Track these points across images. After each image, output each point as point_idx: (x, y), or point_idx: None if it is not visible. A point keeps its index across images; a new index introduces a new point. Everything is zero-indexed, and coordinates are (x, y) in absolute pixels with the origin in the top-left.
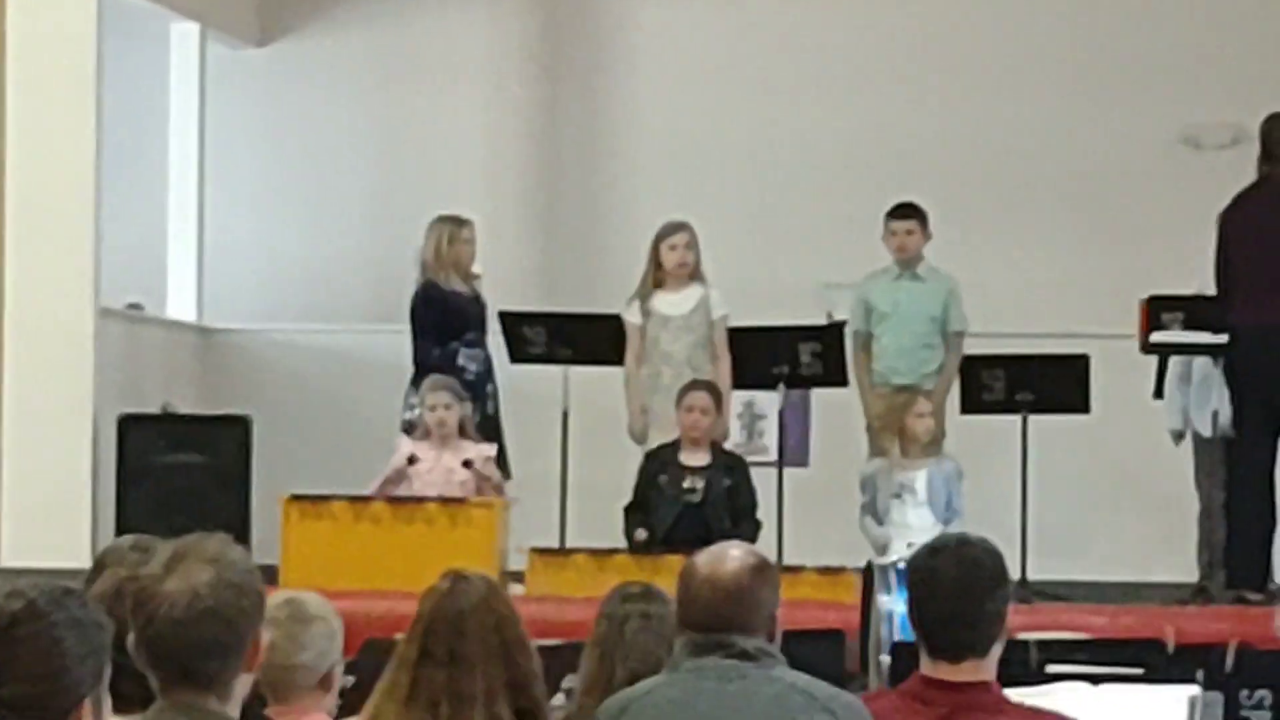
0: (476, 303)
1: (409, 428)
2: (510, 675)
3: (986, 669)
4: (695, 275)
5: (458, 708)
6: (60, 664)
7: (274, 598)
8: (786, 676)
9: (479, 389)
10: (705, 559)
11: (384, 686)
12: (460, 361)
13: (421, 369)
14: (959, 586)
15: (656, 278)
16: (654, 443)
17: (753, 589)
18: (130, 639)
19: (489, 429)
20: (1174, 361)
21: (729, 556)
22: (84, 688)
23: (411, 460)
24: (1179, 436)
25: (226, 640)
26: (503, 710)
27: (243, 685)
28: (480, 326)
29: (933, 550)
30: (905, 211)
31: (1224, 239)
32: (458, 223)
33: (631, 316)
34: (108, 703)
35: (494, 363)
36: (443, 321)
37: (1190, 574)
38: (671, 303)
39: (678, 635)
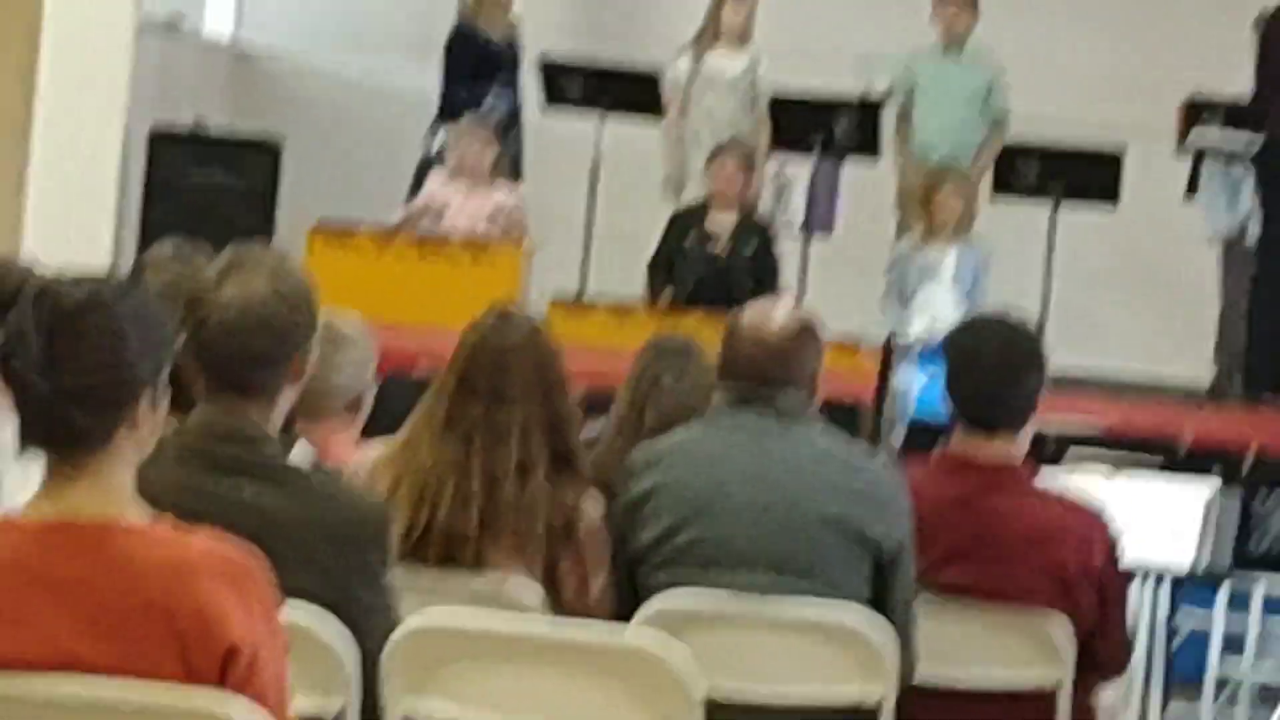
0: (510, 47)
1: (432, 163)
2: (548, 415)
3: (1016, 448)
4: (748, 38)
5: (492, 441)
6: (122, 355)
7: None
8: (824, 436)
9: (504, 132)
10: (751, 314)
11: (420, 414)
12: (487, 103)
13: (447, 108)
14: (1000, 360)
15: (710, 34)
16: (688, 196)
17: (796, 347)
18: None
19: (513, 172)
20: (1214, 163)
21: (777, 313)
22: (143, 381)
23: (436, 209)
24: (1216, 236)
25: (276, 352)
26: (537, 448)
27: (287, 398)
28: (513, 70)
29: (972, 324)
30: None
31: (1265, 47)
32: None
33: (680, 69)
34: (166, 399)
35: (522, 109)
36: (474, 63)
37: (1204, 374)
38: (722, 63)
39: (716, 388)
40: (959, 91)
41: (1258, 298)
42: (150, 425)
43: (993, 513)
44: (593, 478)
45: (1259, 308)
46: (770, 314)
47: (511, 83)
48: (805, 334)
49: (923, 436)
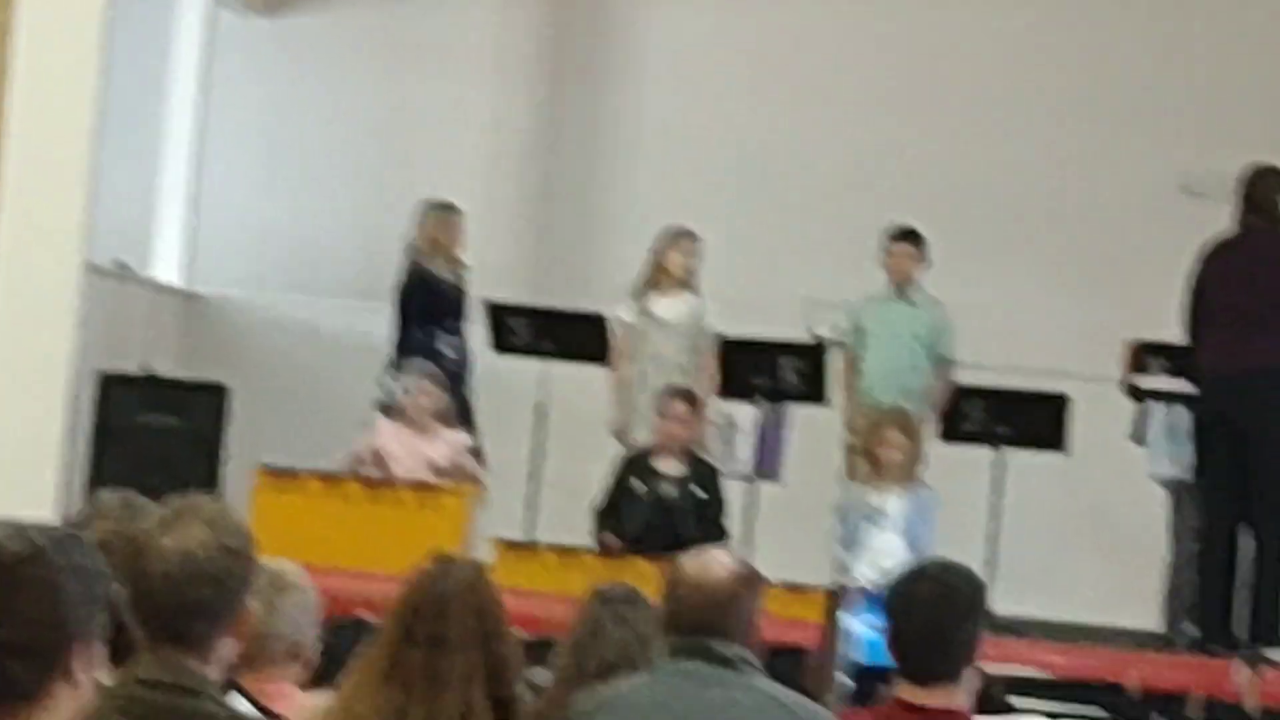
0: (460, 290)
1: (385, 409)
2: (489, 663)
3: (958, 695)
4: (692, 282)
5: (432, 690)
6: (59, 609)
7: None
8: (765, 687)
9: (456, 376)
10: (693, 563)
11: (361, 663)
12: (440, 347)
13: (402, 351)
14: (934, 611)
15: (655, 279)
16: (636, 441)
17: (738, 596)
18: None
19: (464, 416)
20: (1159, 407)
21: (717, 562)
22: (80, 633)
23: (379, 454)
24: (1164, 482)
25: (216, 602)
26: (478, 697)
27: (227, 648)
28: (460, 314)
29: (914, 575)
30: (907, 235)
31: (1201, 284)
32: (449, 209)
33: (625, 315)
34: (103, 653)
35: (472, 351)
36: (427, 306)
37: (1152, 620)
38: (667, 306)
39: (659, 637)
40: (906, 335)
41: (1201, 545)
42: (87, 678)
43: None
44: None
45: (1202, 556)
46: (711, 563)
47: (461, 326)
48: (746, 583)
49: (871, 682)
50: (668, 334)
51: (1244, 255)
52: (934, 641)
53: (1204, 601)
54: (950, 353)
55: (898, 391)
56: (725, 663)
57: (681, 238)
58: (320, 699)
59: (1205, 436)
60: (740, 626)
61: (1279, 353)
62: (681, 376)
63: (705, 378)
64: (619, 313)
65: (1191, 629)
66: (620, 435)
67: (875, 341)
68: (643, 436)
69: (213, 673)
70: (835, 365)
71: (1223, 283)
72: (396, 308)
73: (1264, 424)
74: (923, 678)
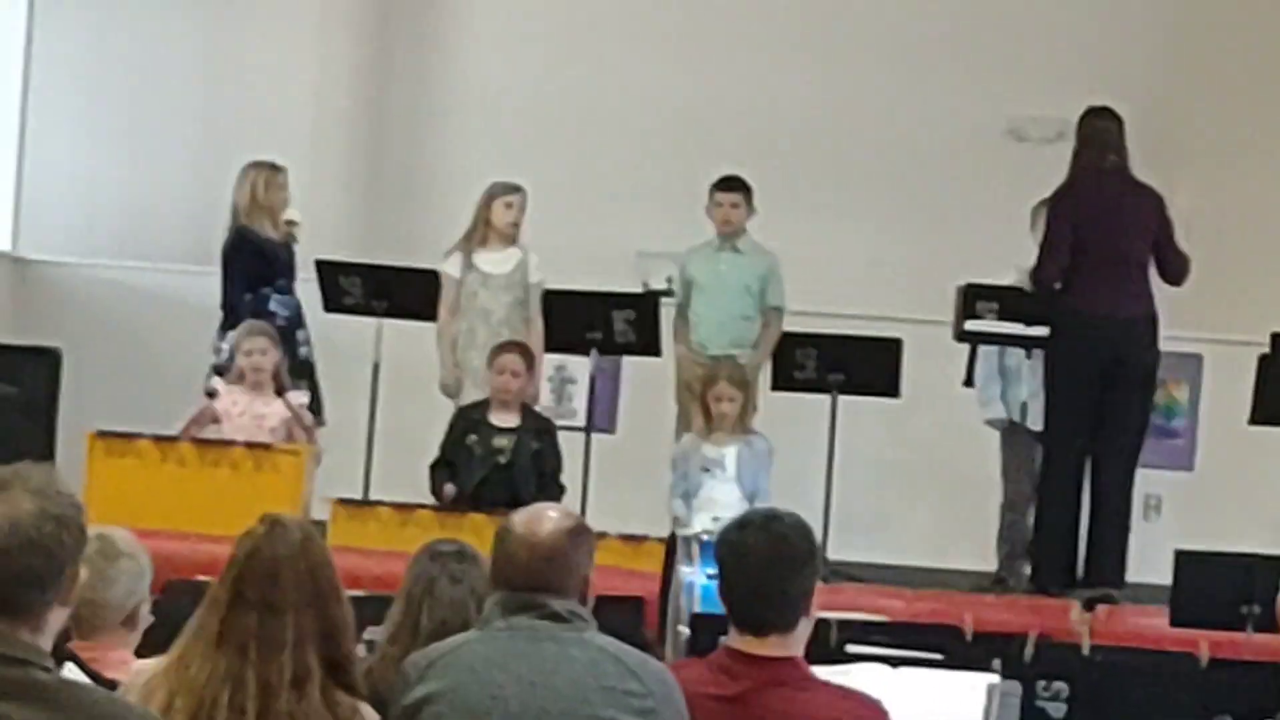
0: (287, 249)
1: (219, 371)
2: (321, 624)
3: (793, 645)
4: (517, 236)
5: (266, 653)
6: None
7: None
8: (597, 640)
9: (290, 335)
10: (522, 518)
11: (193, 627)
12: (271, 307)
13: (231, 314)
14: (765, 561)
15: (481, 234)
16: (467, 398)
17: (568, 551)
18: None
19: (303, 374)
20: (988, 351)
21: (546, 517)
22: None
23: (216, 417)
24: (994, 424)
25: (45, 572)
26: (311, 658)
27: (58, 618)
28: (290, 273)
29: (741, 524)
30: (732, 184)
31: (1060, 225)
32: (272, 169)
33: (451, 269)
34: None
35: (304, 309)
36: (254, 267)
37: (987, 563)
38: (493, 261)
39: (490, 594)
40: (735, 285)
41: (1044, 488)
42: None
43: (770, 710)
44: (367, 686)
45: (1046, 499)
46: (540, 518)
47: (292, 285)
48: (576, 537)
49: (709, 631)
50: (494, 289)
51: (1105, 196)
52: (764, 592)
53: (1045, 541)
54: (780, 301)
55: (729, 342)
56: (557, 618)
57: (506, 192)
58: (152, 665)
59: (1065, 375)
60: (571, 581)
61: (1153, 300)
62: (509, 331)
63: (535, 332)
64: (445, 268)
65: (1026, 570)
66: (449, 392)
67: (705, 293)
68: (471, 393)
69: (44, 642)
70: (668, 317)
71: (1089, 225)
72: (223, 271)
73: (1135, 369)
74: (755, 627)
